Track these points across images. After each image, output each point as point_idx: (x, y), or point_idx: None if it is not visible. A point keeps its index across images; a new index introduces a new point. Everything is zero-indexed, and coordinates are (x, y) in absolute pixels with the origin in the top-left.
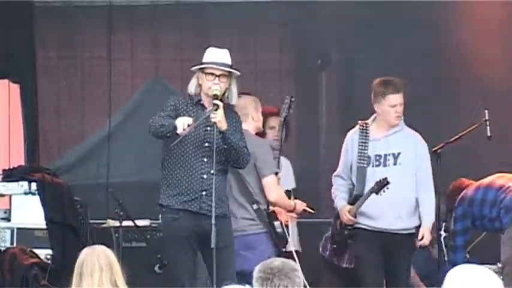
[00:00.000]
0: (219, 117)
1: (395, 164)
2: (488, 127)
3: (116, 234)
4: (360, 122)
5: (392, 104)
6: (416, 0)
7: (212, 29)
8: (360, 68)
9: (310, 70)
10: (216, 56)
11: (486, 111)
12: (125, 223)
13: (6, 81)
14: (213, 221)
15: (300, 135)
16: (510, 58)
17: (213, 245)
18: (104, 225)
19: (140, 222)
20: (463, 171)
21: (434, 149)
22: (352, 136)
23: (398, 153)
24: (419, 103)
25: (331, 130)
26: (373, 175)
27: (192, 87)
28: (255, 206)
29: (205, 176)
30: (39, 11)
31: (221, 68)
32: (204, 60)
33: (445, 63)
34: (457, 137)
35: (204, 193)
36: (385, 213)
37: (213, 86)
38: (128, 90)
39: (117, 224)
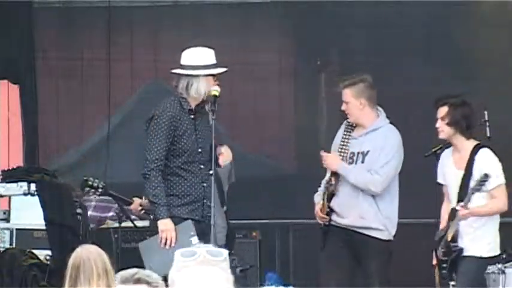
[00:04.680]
0: (230, 157)
1: (363, 162)
2: (488, 128)
3: (115, 235)
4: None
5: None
6: (415, 0)
7: (211, 30)
8: (359, 68)
9: (310, 70)
10: (209, 56)
11: (486, 112)
12: (124, 224)
13: (5, 82)
14: (212, 222)
15: (300, 136)
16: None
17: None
18: (103, 226)
19: (139, 223)
20: None
21: (433, 149)
22: (339, 131)
23: (367, 151)
24: (419, 103)
25: (331, 131)
26: None
27: (202, 90)
28: (225, 208)
29: (205, 184)
30: (39, 12)
31: (221, 70)
32: (201, 63)
33: (445, 62)
34: None
35: (205, 201)
36: (348, 210)
37: (212, 87)
38: (127, 91)
39: (116, 224)
